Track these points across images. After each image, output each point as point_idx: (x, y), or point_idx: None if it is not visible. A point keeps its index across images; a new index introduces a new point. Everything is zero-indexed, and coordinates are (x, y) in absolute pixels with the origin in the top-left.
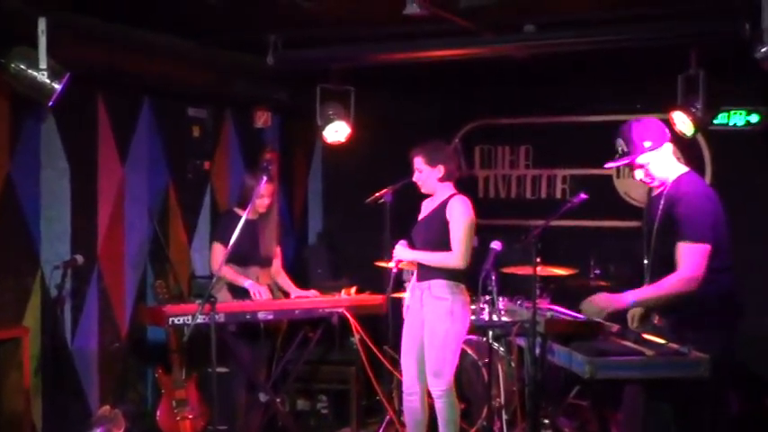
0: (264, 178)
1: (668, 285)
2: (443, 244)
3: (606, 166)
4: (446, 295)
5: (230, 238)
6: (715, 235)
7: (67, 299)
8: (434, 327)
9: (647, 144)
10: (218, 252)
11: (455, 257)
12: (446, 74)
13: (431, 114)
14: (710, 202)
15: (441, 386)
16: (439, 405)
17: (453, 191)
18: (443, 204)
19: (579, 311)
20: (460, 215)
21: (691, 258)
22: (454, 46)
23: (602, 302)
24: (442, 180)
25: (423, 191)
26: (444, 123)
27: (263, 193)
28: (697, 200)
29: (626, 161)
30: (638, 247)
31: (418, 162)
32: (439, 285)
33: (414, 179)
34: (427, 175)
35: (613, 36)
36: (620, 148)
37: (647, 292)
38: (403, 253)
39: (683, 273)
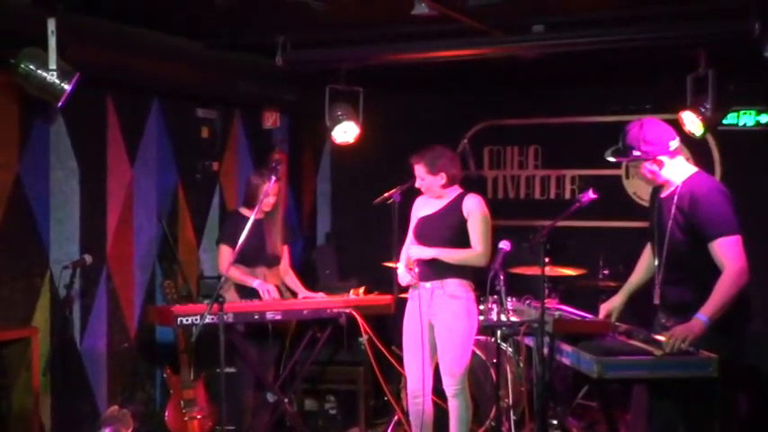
0: (273, 178)
1: (725, 287)
2: (459, 241)
3: (609, 158)
4: (461, 294)
5: (237, 239)
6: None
7: (76, 299)
8: (452, 326)
9: (657, 147)
10: (226, 253)
11: (480, 255)
12: (455, 74)
13: (439, 115)
14: (728, 197)
15: (456, 385)
16: (453, 404)
17: (460, 189)
18: (456, 202)
19: (665, 352)
20: (479, 212)
21: (731, 251)
22: (463, 46)
23: (682, 333)
24: (445, 186)
25: (427, 196)
26: (453, 124)
27: (270, 192)
28: (717, 196)
29: (635, 160)
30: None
31: (419, 170)
32: (453, 284)
33: (416, 186)
34: (430, 183)
35: (622, 36)
36: (629, 150)
37: (712, 304)
38: (422, 251)
39: (731, 268)
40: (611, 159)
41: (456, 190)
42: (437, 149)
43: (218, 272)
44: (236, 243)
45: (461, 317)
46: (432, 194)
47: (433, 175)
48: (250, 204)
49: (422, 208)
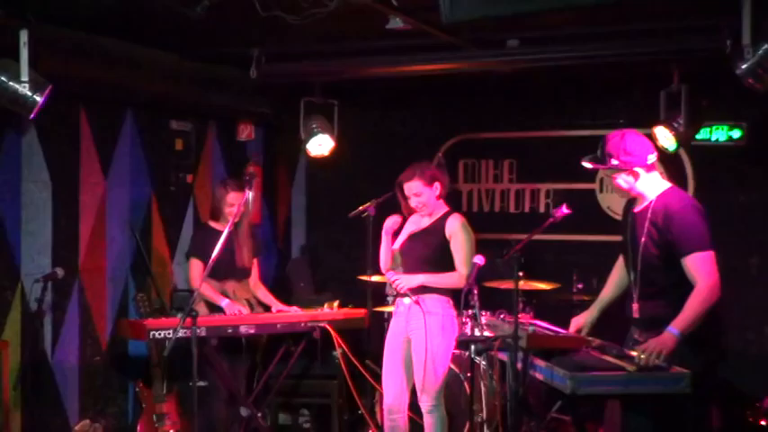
0: (248, 192)
1: (698, 302)
2: (441, 261)
3: (584, 164)
4: (438, 310)
5: (207, 252)
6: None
7: (48, 312)
8: (426, 342)
9: (635, 158)
10: (197, 267)
11: (461, 278)
12: (430, 88)
13: (414, 128)
14: (702, 213)
15: (431, 401)
16: (429, 420)
17: (447, 207)
18: (440, 221)
19: (638, 365)
20: (464, 235)
21: (704, 267)
22: (437, 61)
23: (656, 347)
24: (439, 197)
25: (421, 214)
26: (428, 138)
27: (233, 202)
28: (691, 211)
29: (612, 169)
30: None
31: (416, 186)
32: (430, 300)
33: (413, 206)
34: (427, 197)
35: (596, 51)
36: (608, 158)
37: (684, 318)
38: (410, 281)
39: (703, 283)
40: (588, 166)
41: (443, 207)
42: (422, 163)
43: (189, 286)
44: (206, 256)
45: (435, 333)
46: (426, 210)
47: (429, 186)
48: (216, 216)
49: (411, 224)
